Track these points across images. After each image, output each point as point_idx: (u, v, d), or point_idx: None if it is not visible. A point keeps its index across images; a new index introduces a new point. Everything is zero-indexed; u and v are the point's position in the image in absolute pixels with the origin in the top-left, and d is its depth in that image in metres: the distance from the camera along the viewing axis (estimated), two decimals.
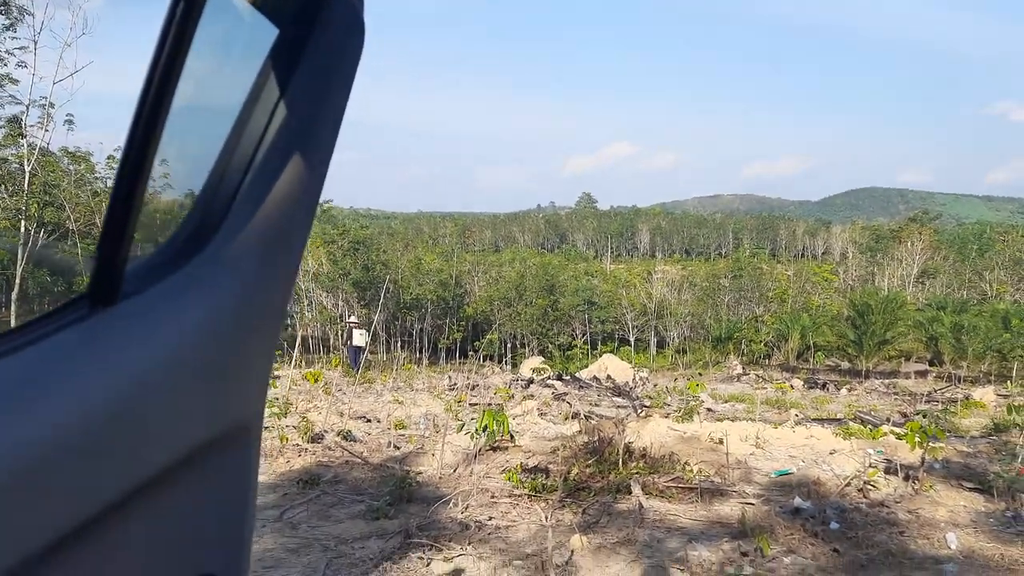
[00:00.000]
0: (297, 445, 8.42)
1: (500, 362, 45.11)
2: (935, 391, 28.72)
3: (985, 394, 23.99)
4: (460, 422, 9.76)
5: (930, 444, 7.30)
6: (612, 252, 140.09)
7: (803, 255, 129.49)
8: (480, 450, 8.25)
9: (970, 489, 7.10)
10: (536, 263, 70.12)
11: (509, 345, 54.25)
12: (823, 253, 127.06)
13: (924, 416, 15.30)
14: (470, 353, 40.61)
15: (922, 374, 39.72)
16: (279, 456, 8.03)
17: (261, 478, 7.40)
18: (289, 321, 43.01)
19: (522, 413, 12.38)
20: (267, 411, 8.68)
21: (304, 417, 9.37)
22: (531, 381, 21.13)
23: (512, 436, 8.83)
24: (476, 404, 14.23)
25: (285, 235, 1.01)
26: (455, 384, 18.68)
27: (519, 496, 6.80)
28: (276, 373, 15.49)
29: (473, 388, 17.42)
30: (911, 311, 46.65)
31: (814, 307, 58.71)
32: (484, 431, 8.13)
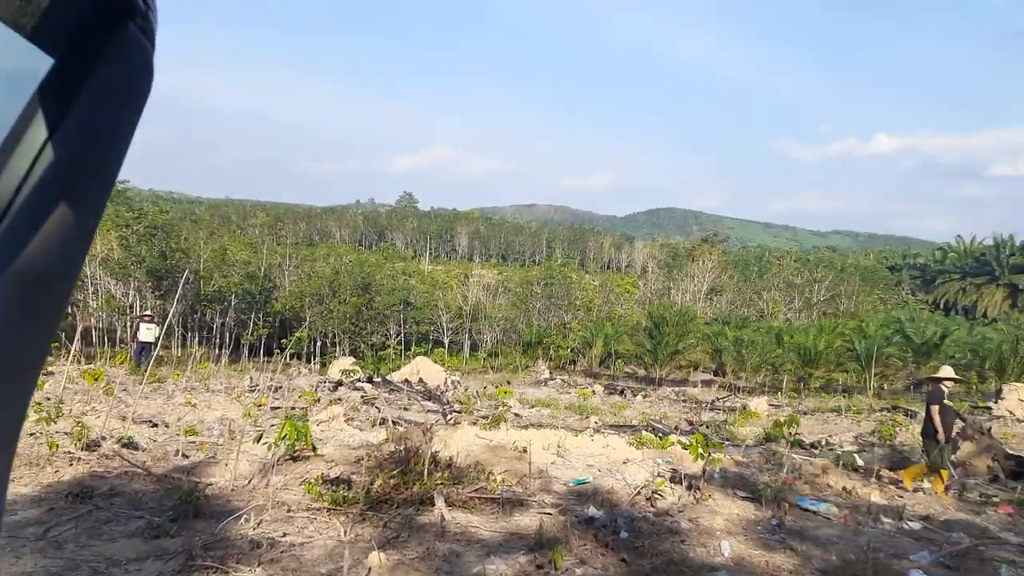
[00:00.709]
0: (69, 453, 7.63)
1: (309, 361, 43.64)
2: (718, 400, 31.19)
3: (760, 404, 26.37)
4: (259, 429, 9.28)
5: (711, 456, 7.85)
6: (431, 253, 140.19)
7: (609, 267, 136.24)
8: (279, 460, 7.88)
9: (743, 498, 7.71)
10: (352, 260, 68.75)
11: (319, 344, 52.70)
12: (626, 266, 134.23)
13: (708, 427, 16.51)
14: (276, 351, 39.02)
15: (708, 383, 43.04)
16: (47, 466, 7.23)
17: (24, 489, 6.64)
18: (69, 310, 39.22)
19: (328, 419, 12.00)
20: (33, 416, 7.84)
21: (79, 421, 8.50)
22: (339, 384, 20.62)
23: (314, 446, 8.52)
24: (278, 408, 13.65)
25: (45, 289, 0.86)
26: (256, 385, 17.81)
27: (318, 510, 6.55)
28: (49, 369, 14.01)
29: (276, 390, 16.70)
30: (700, 325, 50.38)
31: (616, 317, 61.95)
32: (284, 440, 7.76)
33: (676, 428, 16.59)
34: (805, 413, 25.61)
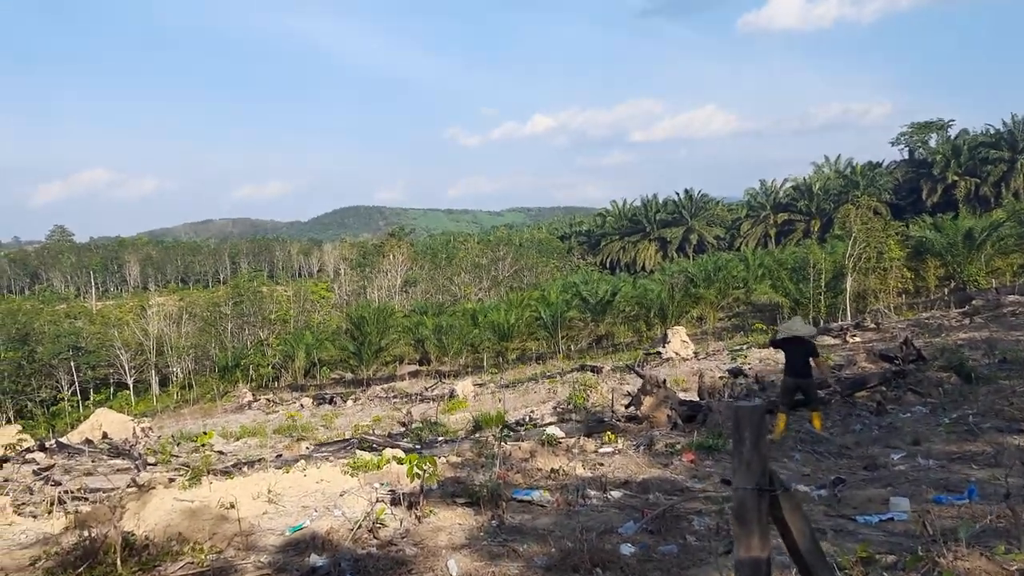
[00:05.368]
0: None
1: None
2: (426, 389, 31.86)
3: (466, 386, 27.29)
4: None
5: (426, 472, 7.86)
6: (98, 288, 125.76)
7: (300, 274, 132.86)
8: None
9: (463, 504, 7.82)
10: (1, 310, 60.61)
11: None
12: (318, 271, 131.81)
13: (419, 426, 16.69)
14: None
15: (415, 374, 43.93)
16: None
17: None
18: None
19: None
20: None
21: None
22: (4, 461, 17.72)
23: None
24: None
25: None
26: None
27: None
28: None
29: None
30: (399, 318, 51.03)
31: (315, 324, 60.62)
32: None
33: (389, 434, 16.59)
34: (507, 386, 27.05)
